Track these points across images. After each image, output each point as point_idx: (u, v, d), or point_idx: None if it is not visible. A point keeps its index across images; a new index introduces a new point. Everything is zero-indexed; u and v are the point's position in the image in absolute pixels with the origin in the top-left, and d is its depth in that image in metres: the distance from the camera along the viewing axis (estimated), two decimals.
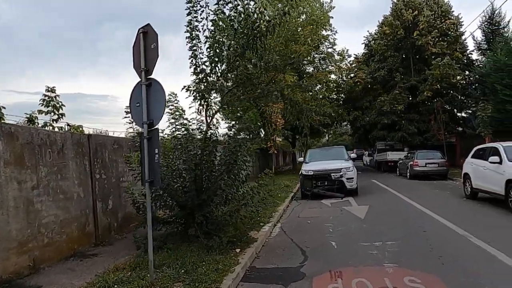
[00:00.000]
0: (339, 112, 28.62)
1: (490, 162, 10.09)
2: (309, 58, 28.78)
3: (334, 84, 29.13)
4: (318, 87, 29.28)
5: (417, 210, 10.32)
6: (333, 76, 29.06)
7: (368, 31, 43.30)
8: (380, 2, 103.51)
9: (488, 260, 5.61)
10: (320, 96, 28.13)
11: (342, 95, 29.47)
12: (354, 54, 30.57)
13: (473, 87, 23.83)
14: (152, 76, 4.74)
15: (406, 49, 26.68)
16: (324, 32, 29.49)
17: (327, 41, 29.61)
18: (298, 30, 27.38)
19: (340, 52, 29.09)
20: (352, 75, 28.28)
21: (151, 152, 4.60)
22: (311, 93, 26.58)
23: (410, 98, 26.03)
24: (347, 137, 59.94)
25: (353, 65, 28.94)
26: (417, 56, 26.68)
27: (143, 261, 5.50)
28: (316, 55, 29.33)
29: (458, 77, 25.11)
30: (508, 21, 24.00)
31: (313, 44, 27.32)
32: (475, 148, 12.09)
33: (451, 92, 25.43)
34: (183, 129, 6.88)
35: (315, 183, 13.74)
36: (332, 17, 29.84)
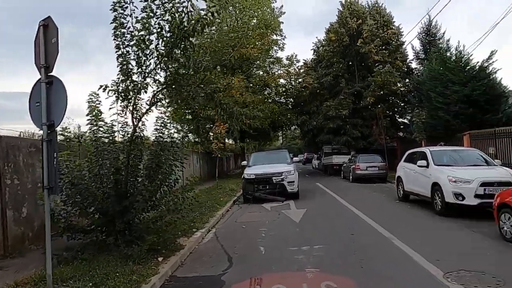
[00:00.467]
0: (288, 116, 29.04)
1: (419, 166, 10.55)
2: (258, 62, 29.01)
3: (283, 88, 29.48)
4: (267, 90, 29.60)
5: (351, 213, 10.54)
6: (282, 80, 29.41)
7: (316, 37, 44.45)
8: (332, 10, 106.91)
9: (405, 262, 5.75)
10: (270, 100, 28.40)
11: (291, 99, 29.86)
12: (303, 60, 31.19)
13: (412, 94, 25.02)
14: (54, 74, 4.37)
15: (351, 56, 27.54)
16: (274, 37, 29.88)
17: (276, 45, 30.00)
18: (249, 34, 27.51)
19: (289, 57, 29.54)
20: (300, 80, 28.75)
21: (51, 156, 4.22)
22: (260, 97, 26.75)
23: (355, 103, 26.85)
24: (299, 140, 60.99)
25: (301, 70, 29.45)
26: (362, 64, 27.63)
27: None
28: (266, 59, 29.60)
29: (399, 85, 26.32)
30: (443, 33, 25.59)
31: (263, 48, 27.55)
32: (407, 152, 12.63)
33: (392, 98, 26.58)
34: (100, 131, 6.48)
35: (256, 186, 13.69)
36: (283, 22, 30.33)
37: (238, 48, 20.64)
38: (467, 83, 17.51)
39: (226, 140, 32.51)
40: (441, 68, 19.20)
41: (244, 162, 15.71)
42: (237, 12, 30.43)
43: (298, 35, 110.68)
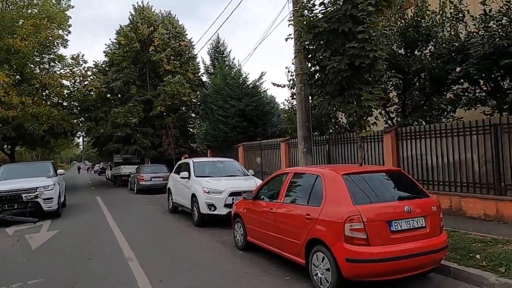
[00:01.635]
0: (71, 121, 25.87)
1: (181, 177, 10.49)
2: (35, 58, 24.89)
3: (67, 91, 26.10)
4: (46, 92, 25.63)
5: (109, 231, 9.49)
6: (65, 82, 26.04)
7: (110, 39, 41.67)
8: None
9: None
10: (48, 103, 24.60)
11: (76, 103, 26.69)
12: (94, 61, 28.59)
13: (200, 106, 26.11)
14: None
15: (142, 62, 26.77)
16: (60, 32, 26.31)
17: (61, 40, 26.45)
18: (20, 23, 23.27)
19: (74, 56, 26.37)
20: (86, 82, 26.11)
21: None
22: (35, 98, 22.83)
23: (146, 112, 26.10)
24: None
25: (89, 72, 26.83)
26: (154, 72, 27.20)
27: None
28: (45, 55, 25.70)
29: (191, 96, 27.07)
30: (229, 51, 27.90)
31: (41, 42, 23.77)
32: (177, 163, 12.56)
33: (183, 109, 27.09)
34: None
35: (1, 206, 11.10)
36: (71, 17, 26.99)
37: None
38: (242, 98, 19.23)
39: None
40: (223, 83, 20.57)
41: None
42: None
43: (101, 35, 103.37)
